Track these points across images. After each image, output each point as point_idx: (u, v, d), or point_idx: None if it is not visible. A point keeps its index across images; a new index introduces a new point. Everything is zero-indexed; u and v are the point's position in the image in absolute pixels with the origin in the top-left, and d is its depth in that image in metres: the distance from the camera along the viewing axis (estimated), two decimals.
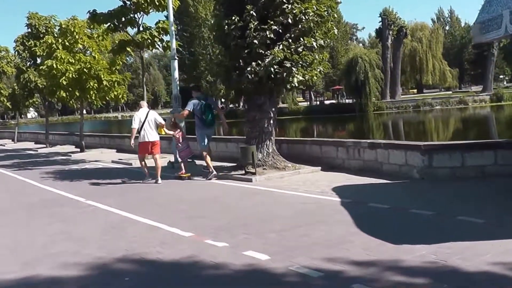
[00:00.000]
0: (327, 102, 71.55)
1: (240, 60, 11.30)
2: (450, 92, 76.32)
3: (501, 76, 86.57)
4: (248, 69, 11.04)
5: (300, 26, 11.28)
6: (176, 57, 14.18)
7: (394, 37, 61.90)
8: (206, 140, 11.84)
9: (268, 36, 10.95)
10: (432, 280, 4.49)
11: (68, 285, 4.90)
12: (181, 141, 12.24)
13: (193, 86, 13.96)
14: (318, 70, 11.72)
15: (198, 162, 14.24)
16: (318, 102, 73.53)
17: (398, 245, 5.53)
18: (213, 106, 12.10)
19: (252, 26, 10.99)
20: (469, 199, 7.87)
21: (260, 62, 10.98)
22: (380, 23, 63.95)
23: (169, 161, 14.62)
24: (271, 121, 12.06)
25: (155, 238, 6.53)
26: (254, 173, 11.14)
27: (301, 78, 11.28)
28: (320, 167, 11.76)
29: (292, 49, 11.15)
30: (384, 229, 6.33)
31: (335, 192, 8.97)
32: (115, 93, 19.40)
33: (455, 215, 6.75)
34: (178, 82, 14.22)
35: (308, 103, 71.03)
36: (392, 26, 62.11)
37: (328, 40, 12.02)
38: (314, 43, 11.28)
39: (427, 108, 57.56)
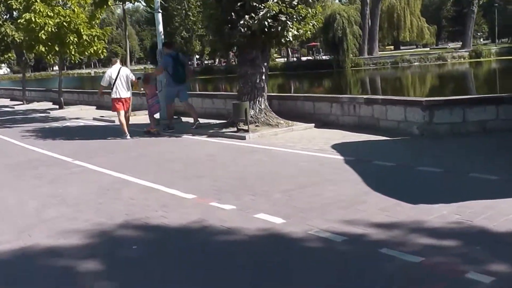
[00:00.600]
0: (304, 58, 70.80)
1: (233, 13, 10.70)
2: (428, 49, 76.24)
3: (479, 34, 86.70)
4: (241, 22, 10.49)
5: None
6: (160, 10, 13.47)
7: None
8: (174, 97, 12.40)
9: None
10: (461, 241, 4.26)
11: (70, 256, 4.50)
12: (151, 97, 12.24)
13: (165, 42, 13.39)
14: (312, 24, 11.22)
15: (184, 119, 13.84)
16: (295, 59, 72.69)
17: (415, 204, 5.28)
18: (184, 63, 12.38)
19: None
20: (476, 156, 7.66)
21: (253, 15, 10.43)
22: None
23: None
24: (263, 77, 11.60)
25: (155, 200, 6.15)
26: (247, 130, 10.75)
27: (295, 32, 10.81)
28: (313, 124, 11.43)
29: (286, 3, 10.62)
30: (396, 187, 6.07)
31: (336, 150, 8.67)
32: (95, 48, 18.56)
33: (466, 172, 6.54)
34: (162, 36, 13.56)
35: (285, 59, 70.14)
36: None
37: None
38: None
39: (405, 65, 57.35)
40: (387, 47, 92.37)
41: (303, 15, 10.93)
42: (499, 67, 47.06)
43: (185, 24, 55.32)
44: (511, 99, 9.27)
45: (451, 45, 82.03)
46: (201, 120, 13.54)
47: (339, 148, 8.83)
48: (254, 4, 10.45)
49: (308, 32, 11.16)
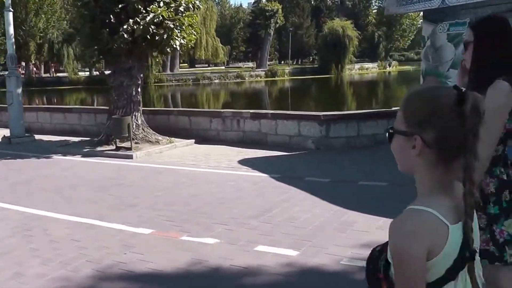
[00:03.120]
0: (107, 72, 67.60)
1: (112, 16, 9.47)
2: (223, 68, 79.44)
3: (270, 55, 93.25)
4: (125, 27, 9.33)
5: None
6: (11, 9, 11.35)
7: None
8: None
9: None
10: None
11: None
12: None
13: None
14: (193, 33, 10.55)
15: (37, 136, 11.96)
16: (97, 73, 68.86)
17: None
18: None
19: None
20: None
21: (138, 20, 9.36)
22: None
23: (4, 135, 11.85)
24: (139, 89, 10.52)
25: (109, 240, 4.93)
26: (129, 148, 9.58)
27: (181, 41, 10.00)
28: (193, 140, 10.72)
29: (173, 9, 9.78)
30: (365, 204, 5.83)
31: (248, 167, 8.19)
32: None
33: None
34: (13, 39, 11.45)
35: (89, 73, 66.07)
36: None
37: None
38: (198, 2, 10.08)
39: (206, 82, 58.76)
40: (181, 64, 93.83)
41: (187, 23, 10.19)
42: (296, 85, 51.21)
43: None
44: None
45: (244, 64, 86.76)
46: (52, 138, 11.87)
47: (250, 164, 8.37)
48: (139, 7, 9.40)
49: (192, 41, 10.45)
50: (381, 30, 75.71)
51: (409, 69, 72.40)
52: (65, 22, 62.37)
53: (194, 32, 10.51)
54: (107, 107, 13.83)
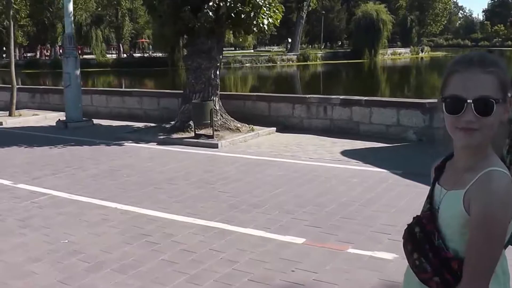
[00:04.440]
0: (136, 55, 67.24)
1: None
2: (252, 51, 78.31)
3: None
4: (210, 3, 8.44)
5: None
6: None
7: None
8: None
9: None
10: None
11: None
12: None
13: None
14: (278, 11, 9.61)
15: (96, 121, 11.26)
16: (126, 55, 68.52)
17: None
18: None
19: None
20: None
21: None
22: None
23: (59, 119, 11.15)
24: (217, 72, 9.66)
25: (260, 251, 4.10)
26: (211, 136, 8.75)
27: (269, 19, 9.10)
28: (274, 128, 9.85)
29: None
30: None
31: (357, 160, 7.32)
32: None
33: None
34: (72, 18, 10.67)
35: (116, 55, 65.58)
36: None
37: None
38: None
39: (237, 65, 57.80)
40: None
41: (271, 2, 9.28)
42: (331, 69, 50.08)
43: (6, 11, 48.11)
44: None
45: (271, 48, 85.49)
46: (111, 123, 11.17)
47: (359, 157, 7.49)
48: None
49: (277, 21, 9.52)
50: (413, 14, 73.70)
51: (442, 55, 70.77)
52: (94, 4, 61.92)
53: (278, 9, 9.56)
54: (170, 90, 13.13)
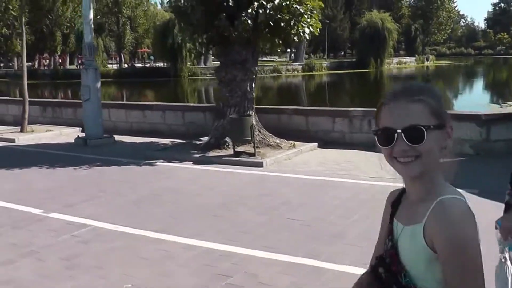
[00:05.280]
0: (137, 65, 66.76)
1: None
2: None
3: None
4: (249, 10, 7.81)
5: None
6: None
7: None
8: None
9: None
10: None
11: None
12: None
13: None
14: (317, 20, 8.99)
15: (117, 137, 10.59)
16: (127, 65, 68.00)
17: None
18: None
19: None
20: None
21: (264, 3, 7.84)
22: None
23: (78, 136, 10.48)
24: (253, 84, 9.02)
25: None
26: (253, 154, 8.09)
27: (311, 28, 8.49)
28: (316, 143, 9.19)
29: None
30: None
31: None
32: None
33: None
34: (92, 25, 10.03)
35: (118, 65, 65.05)
36: None
37: None
38: None
39: None
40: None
41: (310, 10, 8.66)
42: (338, 79, 49.50)
43: (4, 19, 47.13)
44: None
45: (275, 58, 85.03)
46: (134, 139, 10.61)
47: None
48: None
49: (318, 29, 8.89)
50: (417, 23, 73.40)
51: (447, 63, 70.43)
52: (94, 11, 61.53)
53: (315, 18, 8.93)
54: (196, 104, 12.47)
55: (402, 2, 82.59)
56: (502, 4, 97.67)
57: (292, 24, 8.26)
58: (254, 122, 8.89)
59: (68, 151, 9.54)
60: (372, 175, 6.94)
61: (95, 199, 6.21)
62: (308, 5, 8.45)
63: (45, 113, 13.56)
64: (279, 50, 10.02)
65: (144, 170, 7.94)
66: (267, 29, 8.32)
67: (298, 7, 8.08)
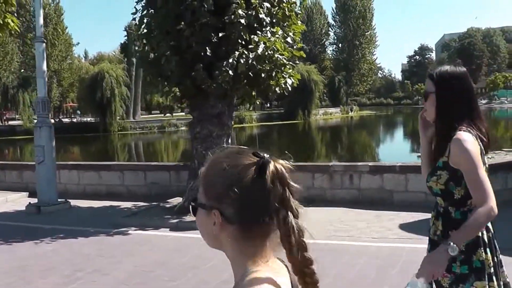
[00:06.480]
0: (65, 120, 64.24)
1: (207, 48, 7.42)
2: (183, 114, 77.21)
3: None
4: (230, 60, 7.29)
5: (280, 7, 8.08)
6: (44, 39, 9.01)
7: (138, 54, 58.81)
8: None
9: (260, 16, 7.46)
10: None
11: None
12: None
13: None
14: (295, 73, 8.64)
15: (73, 202, 9.52)
16: (54, 120, 65.06)
17: None
18: None
19: None
20: None
21: (246, 52, 7.37)
22: (126, 37, 60.22)
23: (29, 203, 9.28)
24: (229, 140, 8.41)
25: None
26: None
27: (292, 79, 8.09)
28: None
29: (281, 39, 7.86)
30: None
31: (423, 235, 6.19)
32: None
33: None
34: (46, 79, 9.09)
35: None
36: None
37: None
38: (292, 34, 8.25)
39: (172, 129, 56.28)
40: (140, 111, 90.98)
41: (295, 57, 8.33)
42: (269, 131, 49.83)
43: None
44: None
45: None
46: (90, 204, 9.55)
47: (424, 232, 6.37)
48: (245, 36, 7.40)
49: (297, 80, 8.52)
50: (340, 74, 76.21)
51: (370, 114, 73.23)
52: (17, 64, 58.83)
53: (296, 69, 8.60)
54: (159, 163, 11.59)
55: (324, 54, 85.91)
56: (417, 57, 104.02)
57: (273, 75, 7.81)
58: None
59: (21, 221, 8.32)
60: (374, 236, 6.56)
61: (76, 282, 5.23)
62: (295, 53, 8.10)
63: None
64: (257, 102, 9.50)
65: (119, 241, 6.99)
66: (245, 80, 7.80)
67: (280, 56, 7.66)
